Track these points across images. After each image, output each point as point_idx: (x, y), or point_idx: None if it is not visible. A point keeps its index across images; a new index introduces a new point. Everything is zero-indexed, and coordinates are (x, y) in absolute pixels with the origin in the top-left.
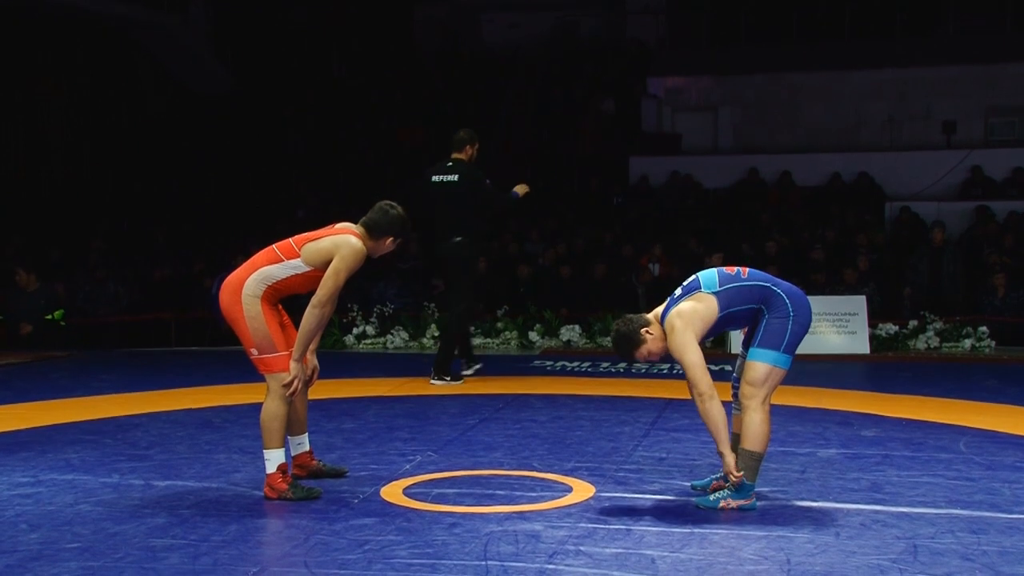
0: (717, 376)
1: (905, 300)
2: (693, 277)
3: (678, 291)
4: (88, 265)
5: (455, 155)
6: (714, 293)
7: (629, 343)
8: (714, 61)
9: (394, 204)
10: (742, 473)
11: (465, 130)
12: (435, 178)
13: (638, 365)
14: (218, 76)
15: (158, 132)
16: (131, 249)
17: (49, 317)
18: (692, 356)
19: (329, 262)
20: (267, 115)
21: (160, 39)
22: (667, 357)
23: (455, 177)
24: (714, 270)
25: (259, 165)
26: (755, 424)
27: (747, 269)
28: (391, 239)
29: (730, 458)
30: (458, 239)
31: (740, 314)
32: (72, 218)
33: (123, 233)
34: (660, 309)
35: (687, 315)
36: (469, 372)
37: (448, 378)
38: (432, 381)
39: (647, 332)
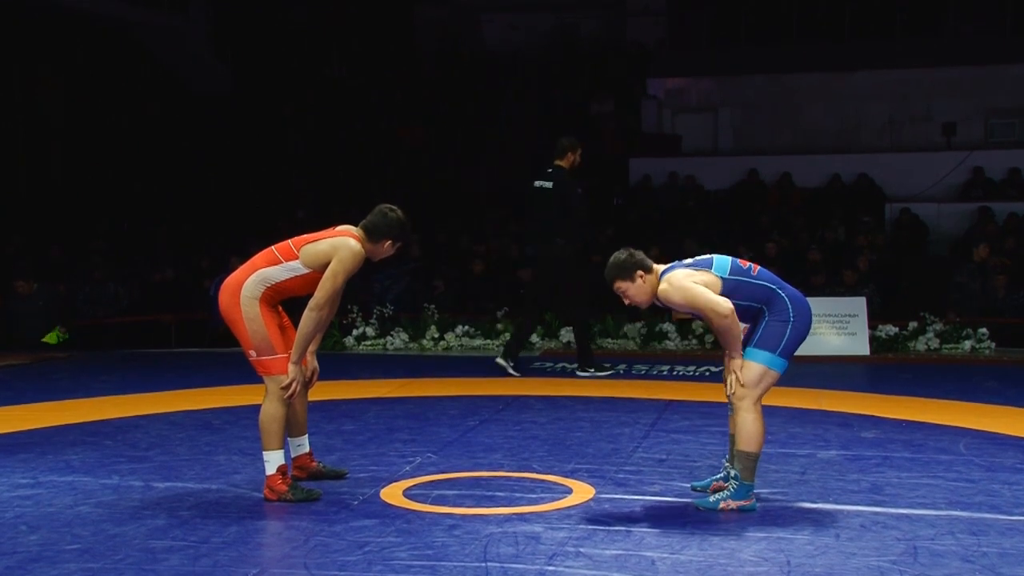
0: (715, 378)
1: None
2: (708, 256)
3: (688, 260)
4: (88, 266)
5: (556, 161)
6: (721, 278)
7: (619, 270)
8: (714, 62)
9: (394, 207)
10: (745, 389)
11: (567, 138)
12: (536, 183)
13: (638, 366)
14: (218, 76)
15: (158, 132)
16: (131, 249)
17: (53, 340)
18: (702, 294)
19: (327, 264)
20: (267, 115)
21: (160, 39)
22: (665, 358)
23: (549, 184)
24: (729, 258)
25: (259, 165)
26: (748, 424)
27: (758, 267)
28: (390, 242)
29: (739, 361)
30: (557, 242)
31: (737, 308)
32: (72, 218)
33: (123, 233)
34: (663, 267)
35: (681, 278)
36: (507, 366)
37: (593, 369)
38: (579, 374)
39: (640, 276)
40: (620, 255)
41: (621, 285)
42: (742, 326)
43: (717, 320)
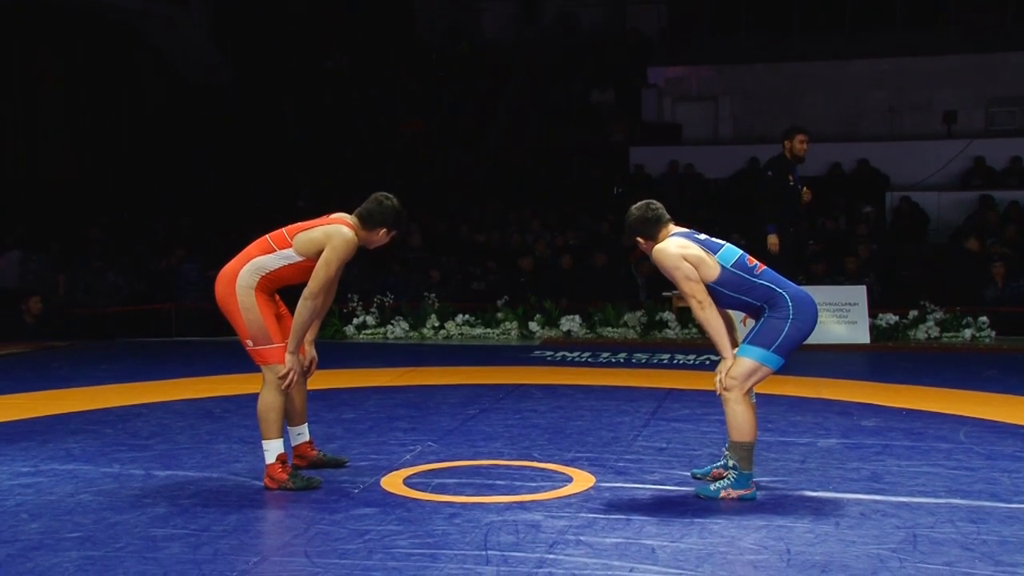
0: (715, 367)
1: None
2: (721, 241)
3: (702, 236)
4: (88, 255)
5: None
6: (722, 266)
7: (644, 226)
8: (714, 51)
9: (390, 195)
10: (735, 382)
11: (792, 125)
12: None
13: (638, 355)
14: (218, 67)
15: (159, 123)
16: (131, 239)
17: None
18: (683, 272)
19: (321, 252)
20: (267, 106)
21: (160, 30)
22: (665, 346)
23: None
24: (739, 251)
25: (259, 156)
26: (738, 416)
27: (763, 267)
28: (384, 230)
29: (728, 362)
30: (766, 226)
31: (727, 300)
32: (73, 209)
33: (123, 223)
34: (675, 229)
35: (675, 248)
36: None
37: None
38: None
39: (662, 235)
40: (648, 212)
41: (639, 239)
42: (740, 315)
43: (693, 307)
